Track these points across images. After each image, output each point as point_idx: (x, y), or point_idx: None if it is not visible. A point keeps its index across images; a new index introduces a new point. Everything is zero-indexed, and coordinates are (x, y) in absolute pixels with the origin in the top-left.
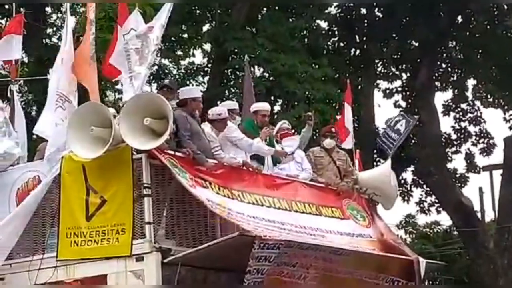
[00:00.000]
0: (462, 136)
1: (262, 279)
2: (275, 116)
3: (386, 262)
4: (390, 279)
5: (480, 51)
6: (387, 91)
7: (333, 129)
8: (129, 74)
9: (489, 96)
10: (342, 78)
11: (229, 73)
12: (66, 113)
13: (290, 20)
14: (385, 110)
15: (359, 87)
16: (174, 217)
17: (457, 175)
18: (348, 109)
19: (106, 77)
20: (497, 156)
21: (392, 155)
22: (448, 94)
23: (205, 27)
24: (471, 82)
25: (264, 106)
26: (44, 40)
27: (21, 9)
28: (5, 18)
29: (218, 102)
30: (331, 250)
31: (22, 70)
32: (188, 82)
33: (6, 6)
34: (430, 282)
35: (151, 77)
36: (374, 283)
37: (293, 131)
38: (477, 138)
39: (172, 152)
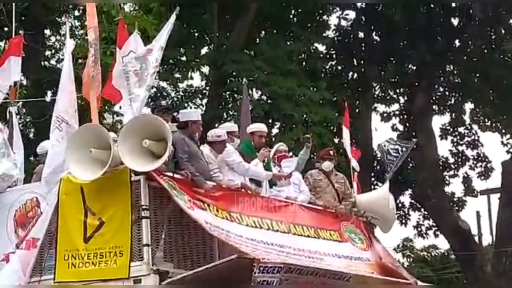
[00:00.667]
0: (459, 159)
1: None
2: (273, 139)
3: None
4: None
5: (477, 75)
6: (385, 115)
7: (331, 152)
8: (128, 96)
9: (486, 120)
10: (340, 101)
11: (227, 96)
12: (63, 133)
13: (288, 43)
14: (383, 133)
15: (357, 110)
16: (172, 239)
17: (455, 199)
18: (346, 133)
19: (108, 99)
20: (495, 180)
21: (390, 178)
22: (446, 118)
23: (204, 50)
24: (468, 106)
25: (260, 127)
26: (42, 63)
27: (20, 32)
28: (4, 40)
29: (216, 125)
30: (331, 274)
31: (20, 92)
32: (186, 105)
33: (6, 28)
34: None
35: (149, 100)
36: None
37: (290, 153)
38: (475, 162)
39: (170, 174)
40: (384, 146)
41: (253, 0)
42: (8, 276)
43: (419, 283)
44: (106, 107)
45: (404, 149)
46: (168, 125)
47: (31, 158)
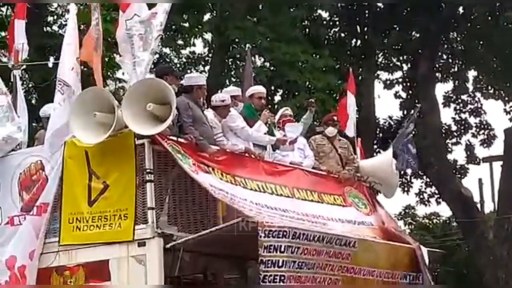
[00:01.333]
0: (462, 127)
1: (282, 274)
2: (276, 106)
3: (394, 254)
4: (403, 275)
5: (481, 42)
6: (388, 82)
7: (335, 117)
8: (133, 60)
9: (489, 88)
10: (343, 69)
11: (230, 63)
12: (64, 96)
13: (291, 9)
14: (386, 101)
15: (360, 77)
16: (176, 202)
17: (457, 166)
18: (351, 98)
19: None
20: (497, 148)
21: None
22: (449, 86)
23: (206, 16)
24: (471, 74)
25: (258, 88)
26: (44, 28)
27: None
28: (6, 6)
29: (219, 91)
30: (337, 239)
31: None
32: (189, 71)
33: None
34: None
35: (153, 65)
36: (393, 283)
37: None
38: (477, 130)
39: (175, 138)
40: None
41: None
42: (24, 241)
43: (422, 247)
44: (109, 74)
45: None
46: (172, 87)
47: (34, 124)
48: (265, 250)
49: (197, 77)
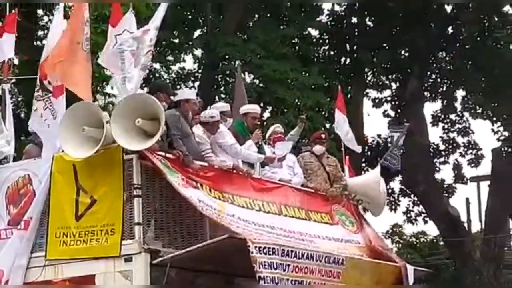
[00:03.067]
0: (450, 146)
1: None
2: (265, 123)
3: (380, 272)
4: None
5: (469, 62)
6: (377, 100)
7: (323, 136)
8: (122, 76)
9: (477, 107)
10: (332, 87)
11: (220, 79)
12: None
13: (281, 27)
14: (374, 119)
15: (349, 95)
16: (163, 218)
17: (445, 186)
18: (339, 114)
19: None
20: (485, 167)
21: (382, 164)
22: (437, 105)
23: (197, 33)
24: (460, 93)
25: (254, 108)
26: (35, 42)
27: (13, 10)
28: None
29: (208, 107)
30: (325, 257)
31: (12, 72)
32: (178, 87)
33: None
34: None
35: (143, 81)
36: None
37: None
38: (465, 149)
39: (163, 153)
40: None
41: None
42: (11, 256)
43: (409, 266)
44: (98, 88)
45: (395, 136)
46: (162, 104)
47: (22, 137)
48: (260, 266)
49: (184, 92)
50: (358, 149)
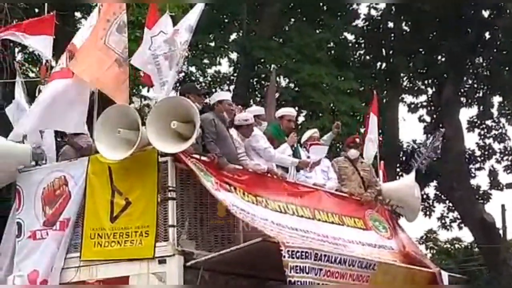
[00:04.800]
0: (486, 152)
1: None
2: (300, 127)
3: (414, 278)
4: None
5: (507, 68)
6: (412, 106)
7: (357, 140)
8: (160, 80)
9: None
10: (368, 91)
11: (255, 82)
12: None
13: (317, 31)
14: (410, 124)
15: (384, 100)
16: (197, 220)
17: (480, 192)
18: (373, 119)
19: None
20: None
21: (417, 169)
22: (473, 110)
23: (233, 36)
24: (496, 99)
25: (290, 111)
26: None
27: (51, 13)
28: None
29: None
30: (357, 262)
31: (49, 73)
32: (214, 90)
33: (37, 10)
34: None
35: (178, 84)
36: None
37: None
38: (501, 155)
39: (198, 156)
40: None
41: None
42: (47, 256)
43: (443, 272)
44: (134, 91)
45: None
46: (196, 105)
47: (58, 139)
48: (292, 270)
49: (217, 94)
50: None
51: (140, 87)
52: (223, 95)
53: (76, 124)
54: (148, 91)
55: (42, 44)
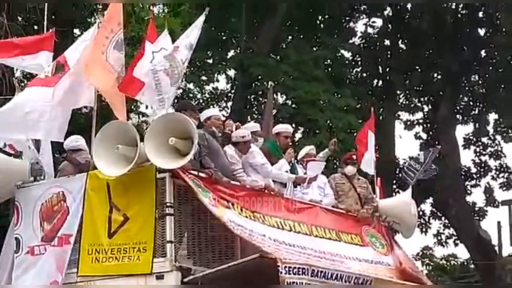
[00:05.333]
0: (482, 169)
1: None
2: (297, 143)
3: None
4: None
5: (502, 85)
6: (408, 123)
7: (354, 156)
8: (159, 96)
9: (510, 131)
10: (364, 108)
11: (252, 99)
12: None
13: (314, 49)
14: (406, 141)
15: (381, 117)
16: (195, 236)
17: (476, 209)
18: (371, 136)
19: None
20: None
21: (413, 186)
22: (469, 128)
23: (230, 53)
24: (492, 117)
25: (287, 128)
26: None
27: (50, 30)
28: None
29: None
30: (354, 277)
31: None
32: (211, 106)
33: (36, 27)
34: None
35: (176, 100)
36: None
37: None
38: (497, 172)
39: (195, 172)
40: (410, 166)
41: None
42: (45, 271)
43: None
44: (132, 107)
45: (427, 158)
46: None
47: (57, 155)
48: (287, 285)
49: (205, 111)
50: (371, 171)
51: (138, 103)
52: (211, 111)
53: (58, 133)
54: (146, 108)
55: (42, 60)
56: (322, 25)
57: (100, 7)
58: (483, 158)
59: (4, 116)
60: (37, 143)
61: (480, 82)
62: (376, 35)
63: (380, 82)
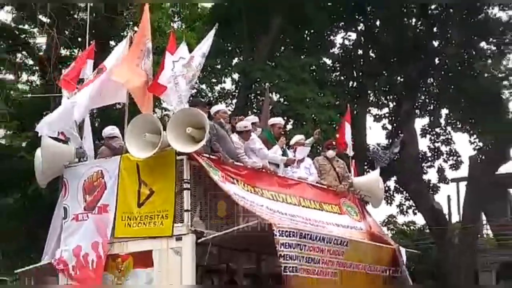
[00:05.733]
0: (435, 154)
1: (295, 266)
2: (288, 133)
3: (378, 253)
4: (384, 269)
5: (452, 86)
6: (377, 116)
7: (333, 143)
8: (178, 95)
9: (458, 123)
10: (342, 105)
11: (252, 97)
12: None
13: (302, 57)
14: (375, 131)
15: (355, 112)
16: (207, 206)
17: (431, 185)
18: (348, 127)
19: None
20: (463, 171)
21: (380, 166)
22: (425, 120)
23: (235, 60)
24: (444, 111)
25: (279, 120)
26: None
27: (91, 42)
28: (78, 49)
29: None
30: (333, 240)
31: None
32: (219, 103)
33: (80, 39)
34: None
35: (191, 98)
36: (375, 275)
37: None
38: (447, 156)
39: (207, 155)
40: (377, 150)
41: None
42: (88, 234)
43: (401, 248)
44: (157, 104)
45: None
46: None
47: (96, 142)
48: (281, 246)
49: (214, 107)
50: (350, 152)
51: (162, 101)
52: (219, 107)
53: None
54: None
55: (88, 67)
56: (308, 38)
57: (131, 23)
58: (436, 144)
59: (59, 113)
60: (80, 131)
61: (434, 84)
62: (351, 46)
63: (355, 84)
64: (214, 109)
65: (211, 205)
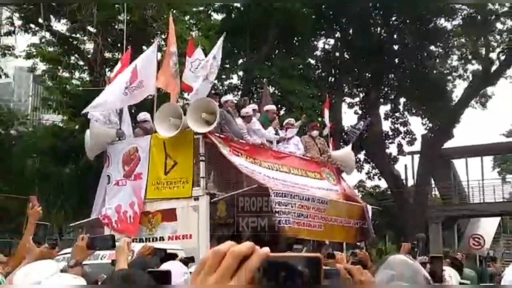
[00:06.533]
0: (395, 133)
1: (288, 219)
2: (280, 117)
3: (351, 209)
4: (356, 223)
5: (408, 81)
6: (350, 104)
7: (317, 125)
8: (196, 89)
9: (413, 109)
10: (323, 95)
11: (254, 90)
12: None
13: (292, 58)
14: (349, 116)
15: (333, 101)
16: (218, 174)
17: (392, 157)
18: (326, 112)
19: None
20: (417, 146)
21: (352, 142)
22: (388, 107)
23: (240, 61)
24: (402, 100)
25: (273, 107)
26: None
27: (128, 47)
28: (118, 53)
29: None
30: (317, 199)
31: None
32: (228, 95)
33: (119, 45)
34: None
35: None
36: (349, 227)
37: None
38: (405, 135)
39: (218, 135)
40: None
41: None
42: (126, 196)
43: (368, 206)
44: (179, 95)
45: (361, 126)
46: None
47: (133, 124)
48: (276, 204)
49: (224, 97)
50: (326, 131)
51: (183, 92)
52: (228, 97)
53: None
54: (188, 95)
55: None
56: (297, 44)
57: (159, 32)
58: (396, 126)
59: (106, 95)
60: (120, 116)
61: (395, 78)
62: (330, 49)
63: (333, 79)
64: (223, 99)
65: (221, 173)
